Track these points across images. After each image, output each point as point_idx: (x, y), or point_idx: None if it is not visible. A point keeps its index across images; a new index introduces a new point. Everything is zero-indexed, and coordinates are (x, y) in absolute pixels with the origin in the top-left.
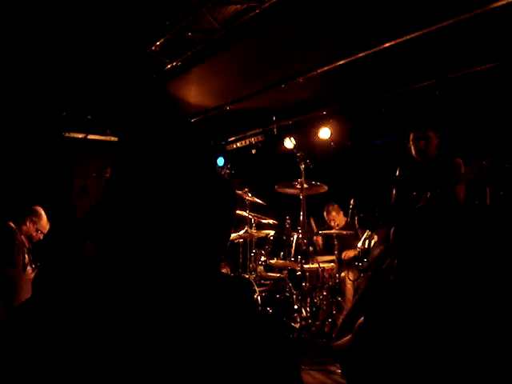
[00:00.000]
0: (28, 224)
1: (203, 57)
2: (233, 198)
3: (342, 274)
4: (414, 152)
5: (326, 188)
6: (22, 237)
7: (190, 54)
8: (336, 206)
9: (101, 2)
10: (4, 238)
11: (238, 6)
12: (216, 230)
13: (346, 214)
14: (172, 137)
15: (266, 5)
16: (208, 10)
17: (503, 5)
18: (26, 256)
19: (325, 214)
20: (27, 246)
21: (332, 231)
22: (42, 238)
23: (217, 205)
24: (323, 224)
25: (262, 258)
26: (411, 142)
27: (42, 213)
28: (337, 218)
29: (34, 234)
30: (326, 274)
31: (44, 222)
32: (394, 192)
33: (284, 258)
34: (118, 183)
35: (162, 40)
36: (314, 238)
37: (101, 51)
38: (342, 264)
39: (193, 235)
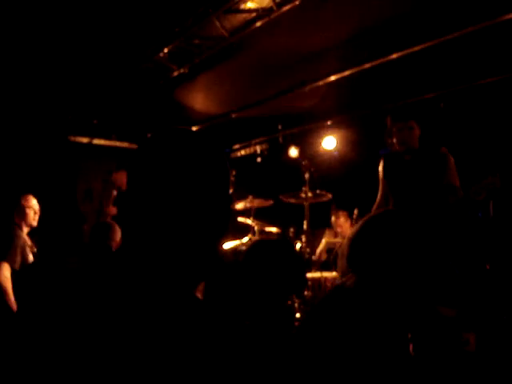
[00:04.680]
0: (27, 212)
1: (211, 64)
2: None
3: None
4: (396, 144)
5: (329, 196)
6: (25, 236)
7: (198, 62)
8: (346, 213)
9: (109, 7)
10: (6, 241)
11: (247, 14)
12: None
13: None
14: (188, 154)
15: (275, 14)
16: (217, 17)
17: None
18: (31, 256)
19: (333, 218)
20: (30, 244)
21: (336, 239)
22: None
23: (220, 225)
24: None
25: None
26: (394, 134)
27: (28, 197)
28: (344, 226)
29: (37, 216)
30: (328, 284)
31: (35, 202)
32: (380, 191)
33: None
34: (134, 195)
35: (170, 47)
36: (318, 251)
37: (108, 56)
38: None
39: (193, 243)
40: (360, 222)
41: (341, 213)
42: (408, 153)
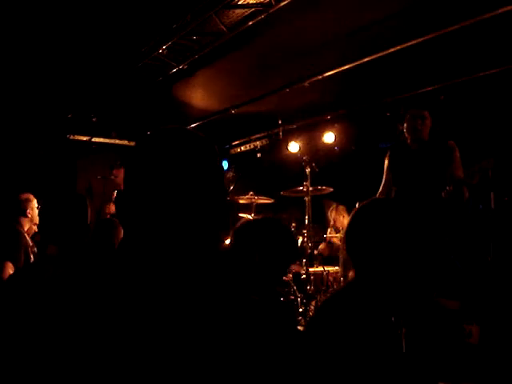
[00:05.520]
0: (29, 211)
1: (209, 60)
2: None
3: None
4: (407, 131)
5: (331, 190)
6: (27, 236)
7: (197, 58)
8: (341, 207)
9: (107, 4)
10: (11, 239)
11: (246, 9)
12: (213, 237)
13: None
14: (182, 152)
15: (273, 9)
16: (216, 13)
17: (507, 11)
18: (32, 256)
19: (330, 212)
20: (31, 245)
21: (338, 235)
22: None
23: (215, 212)
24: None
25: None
26: (407, 121)
27: (29, 196)
28: (339, 219)
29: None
30: (330, 278)
31: (35, 201)
32: (384, 180)
33: None
34: (131, 192)
35: (169, 43)
36: (321, 246)
37: (107, 54)
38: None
39: (194, 237)
40: (351, 213)
41: (340, 207)
42: (416, 142)
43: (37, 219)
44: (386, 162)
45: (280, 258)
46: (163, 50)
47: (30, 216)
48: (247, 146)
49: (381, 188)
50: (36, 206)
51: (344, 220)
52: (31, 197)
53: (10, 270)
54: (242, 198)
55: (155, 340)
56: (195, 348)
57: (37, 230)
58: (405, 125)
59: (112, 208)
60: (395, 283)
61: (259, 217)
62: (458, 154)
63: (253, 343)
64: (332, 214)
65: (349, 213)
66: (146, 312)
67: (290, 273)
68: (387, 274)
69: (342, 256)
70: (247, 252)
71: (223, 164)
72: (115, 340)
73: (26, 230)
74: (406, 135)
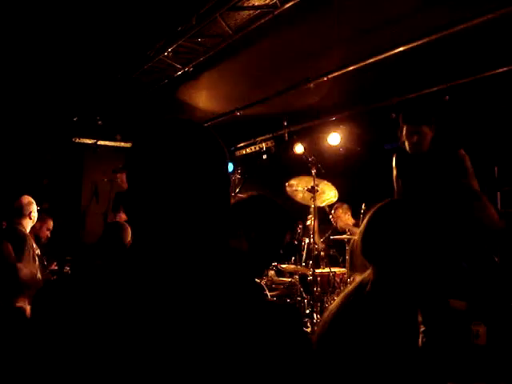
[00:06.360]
0: (32, 213)
1: (215, 62)
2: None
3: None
4: (407, 146)
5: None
6: (32, 241)
7: (202, 60)
8: (345, 205)
9: (113, 8)
10: (19, 242)
11: (251, 11)
12: (219, 229)
13: (355, 217)
14: (182, 142)
15: (279, 11)
16: (221, 15)
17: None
18: (37, 259)
19: (332, 211)
20: (34, 246)
21: (344, 236)
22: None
23: (220, 206)
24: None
25: (273, 263)
26: (404, 136)
27: (30, 199)
28: (343, 218)
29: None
30: (337, 279)
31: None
32: (395, 189)
33: (295, 263)
34: (135, 190)
35: (174, 46)
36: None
37: (113, 57)
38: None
39: (199, 232)
40: (368, 214)
41: (338, 205)
42: (419, 156)
43: (50, 224)
44: (394, 171)
45: (275, 229)
46: (168, 52)
47: (32, 218)
48: (252, 147)
49: (395, 196)
50: (37, 208)
51: (348, 219)
52: (32, 199)
53: (24, 269)
54: None
55: (162, 340)
56: (203, 348)
57: (49, 235)
58: (404, 139)
59: (122, 217)
60: (415, 282)
61: (245, 196)
62: (469, 164)
63: (260, 344)
64: (336, 213)
65: (353, 212)
66: (152, 311)
67: (297, 274)
68: (407, 273)
69: (348, 257)
70: (244, 232)
71: (229, 165)
72: (122, 340)
73: (28, 231)
74: (407, 149)
